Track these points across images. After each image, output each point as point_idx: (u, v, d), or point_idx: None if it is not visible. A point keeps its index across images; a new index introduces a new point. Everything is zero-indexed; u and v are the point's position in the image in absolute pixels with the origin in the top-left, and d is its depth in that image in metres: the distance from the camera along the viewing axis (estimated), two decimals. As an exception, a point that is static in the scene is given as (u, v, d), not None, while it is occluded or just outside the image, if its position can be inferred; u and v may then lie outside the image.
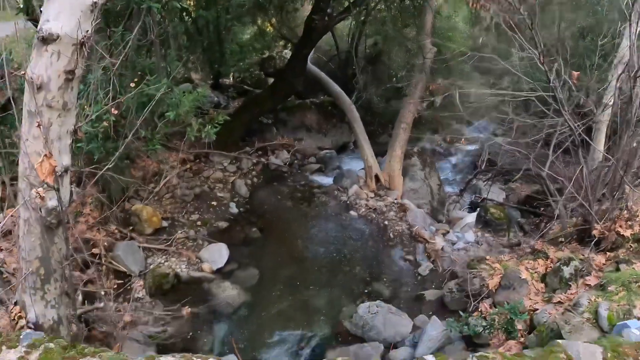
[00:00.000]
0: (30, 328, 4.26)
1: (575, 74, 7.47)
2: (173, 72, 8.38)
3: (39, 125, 3.38)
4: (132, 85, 6.32)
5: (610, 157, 7.46)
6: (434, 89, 11.05)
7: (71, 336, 4.78)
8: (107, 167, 4.67)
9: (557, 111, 7.82)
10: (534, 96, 7.72)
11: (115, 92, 5.65)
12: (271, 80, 16.48)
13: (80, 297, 6.74)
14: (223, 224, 10.24)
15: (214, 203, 10.65)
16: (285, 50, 18.35)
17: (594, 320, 5.50)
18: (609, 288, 5.91)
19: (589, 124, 8.65)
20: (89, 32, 3.61)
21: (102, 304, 6.18)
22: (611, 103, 8.34)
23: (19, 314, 4.28)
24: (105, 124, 6.38)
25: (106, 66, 6.17)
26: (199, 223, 9.94)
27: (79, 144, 6.73)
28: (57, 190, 3.63)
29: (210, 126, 8.08)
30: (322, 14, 11.37)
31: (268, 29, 16.74)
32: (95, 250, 8.11)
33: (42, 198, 3.45)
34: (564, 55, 7.60)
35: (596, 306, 5.61)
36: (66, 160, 3.78)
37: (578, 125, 7.52)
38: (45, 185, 3.50)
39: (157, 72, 8.00)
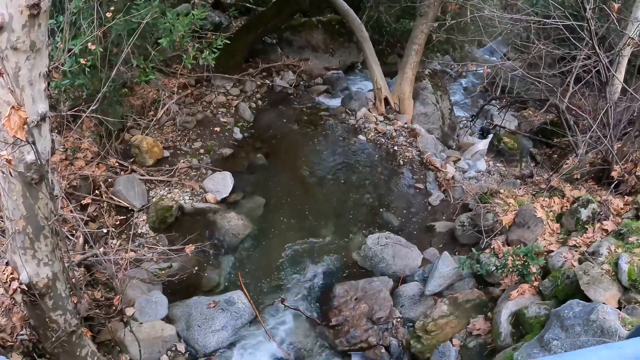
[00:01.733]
0: (23, 290, 4.04)
1: (616, 6, 6.90)
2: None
3: (1, 74, 2.96)
4: (109, 14, 5.75)
5: (637, 96, 7.03)
6: (452, 8, 10.35)
7: (69, 288, 4.59)
8: (91, 108, 4.28)
9: (580, 40, 7.34)
10: (561, 24, 7.18)
11: (100, 20, 5.19)
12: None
13: (81, 240, 6.54)
14: (227, 151, 9.89)
15: (217, 129, 10.26)
16: (290, -34, 17.38)
17: (614, 273, 5.26)
18: (629, 239, 5.65)
19: (611, 57, 8.16)
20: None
21: (100, 249, 5.94)
22: (635, 39, 7.87)
23: (12, 275, 4.04)
24: (83, 62, 5.88)
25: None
26: (201, 151, 9.60)
27: (65, 81, 6.31)
28: (33, 143, 3.27)
29: (208, 51, 7.56)
30: None
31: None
32: (94, 187, 7.85)
33: (9, 161, 3.10)
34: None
35: (616, 257, 5.35)
36: (42, 107, 3.38)
37: (604, 57, 7.05)
38: (19, 141, 3.14)
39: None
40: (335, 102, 12.22)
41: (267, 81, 12.37)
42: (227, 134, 10.28)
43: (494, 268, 6.43)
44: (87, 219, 7.08)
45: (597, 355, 2.64)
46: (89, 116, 4.33)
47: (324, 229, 8.53)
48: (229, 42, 8.11)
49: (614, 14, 6.96)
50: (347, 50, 14.60)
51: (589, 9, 6.76)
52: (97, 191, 7.81)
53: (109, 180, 8.05)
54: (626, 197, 7.04)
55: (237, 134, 10.47)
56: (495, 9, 10.58)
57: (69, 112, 6.06)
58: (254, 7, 15.59)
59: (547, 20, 7.59)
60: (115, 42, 6.94)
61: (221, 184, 8.86)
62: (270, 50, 13.58)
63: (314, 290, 7.49)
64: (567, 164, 8.44)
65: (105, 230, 7.25)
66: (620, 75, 8.73)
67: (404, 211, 9.02)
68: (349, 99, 11.88)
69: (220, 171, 9.08)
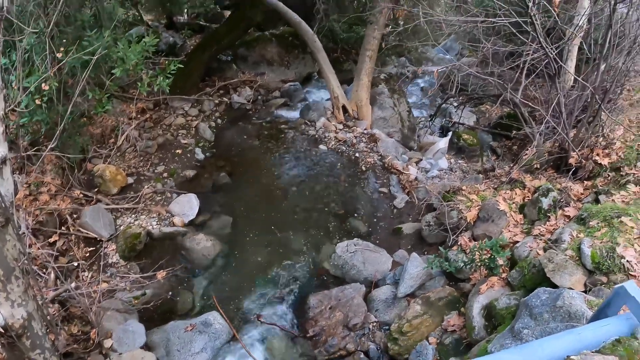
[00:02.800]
0: (0, 332, 4.03)
1: (557, 1, 7.13)
2: (115, 19, 7.75)
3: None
4: (60, 55, 5.74)
5: (587, 84, 7.25)
6: (399, 15, 10.58)
7: (45, 325, 4.57)
8: (50, 146, 4.29)
9: (526, 33, 7.53)
10: (507, 22, 7.36)
11: (53, 56, 5.18)
12: (228, 13, 15.76)
13: (52, 276, 6.49)
14: (190, 173, 9.90)
15: (179, 151, 10.28)
16: (241, -20, 17.47)
17: (577, 258, 5.40)
18: (590, 223, 5.80)
19: (561, 48, 8.38)
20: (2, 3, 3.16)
21: (72, 284, 5.92)
22: (584, 26, 8.10)
23: (-13, 319, 4.03)
24: (38, 102, 5.85)
25: (40, 30, 5.63)
26: (165, 175, 9.60)
27: (23, 119, 6.28)
28: (-4, 188, 3.29)
29: (162, 77, 7.55)
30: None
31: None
32: (61, 220, 7.80)
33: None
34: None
35: (578, 243, 5.50)
36: (1, 150, 3.41)
37: (551, 50, 7.23)
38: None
39: (101, 22, 7.44)
40: (294, 114, 12.35)
41: (225, 99, 12.44)
42: (189, 155, 10.30)
43: (462, 264, 6.56)
44: (57, 253, 7.03)
45: (560, 342, 2.78)
46: (49, 153, 4.33)
47: (292, 241, 8.58)
48: (182, 66, 8.10)
49: (555, 9, 7.17)
50: (302, 62, 14.75)
51: (532, 6, 6.94)
52: (64, 225, 7.75)
53: (75, 213, 7.99)
54: (585, 182, 7.26)
55: (199, 155, 10.49)
56: (445, 9, 10.76)
57: (29, 153, 6.03)
58: (208, 24, 15.64)
59: (493, 20, 7.76)
60: (70, 74, 6.90)
61: (187, 206, 8.87)
62: (226, 68, 13.66)
63: (289, 304, 7.51)
64: (526, 154, 8.65)
65: (75, 264, 7.22)
66: (572, 63, 8.95)
67: (371, 216, 9.14)
68: (307, 110, 12.02)
69: (185, 193, 9.09)
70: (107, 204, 8.45)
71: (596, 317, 3.32)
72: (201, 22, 16.34)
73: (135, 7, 13.61)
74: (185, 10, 16.16)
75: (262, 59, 14.30)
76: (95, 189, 8.67)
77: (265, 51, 14.37)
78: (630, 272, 4.96)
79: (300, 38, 13.44)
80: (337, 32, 14.28)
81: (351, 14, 13.25)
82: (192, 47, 14.08)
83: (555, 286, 5.22)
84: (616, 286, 2.95)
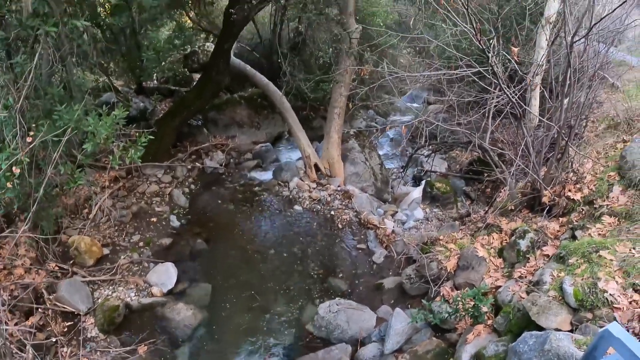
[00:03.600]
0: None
1: (515, 50, 7.36)
2: (86, 90, 7.75)
3: None
4: (30, 139, 5.69)
5: (552, 124, 7.42)
6: (363, 73, 10.81)
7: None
8: (23, 228, 4.22)
9: (489, 79, 7.73)
10: (470, 72, 7.54)
11: (24, 131, 5.14)
12: (197, 76, 15.92)
13: (30, 354, 6.27)
14: (166, 241, 9.78)
15: (154, 219, 10.18)
16: (208, 43, 17.77)
17: (560, 297, 5.40)
18: (569, 260, 5.83)
19: (524, 89, 8.60)
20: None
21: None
22: (543, 66, 8.33)
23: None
24: (9, 185, 5.78)
25: (7, 104, 5.60)
26: (141, 244, 9.47)
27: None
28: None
29: (134, 150, 7.48)
30: (240, 5, 10.74)
31: (187, 23, 16.03)
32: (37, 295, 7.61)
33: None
34: (495, 23, 7.46)
35: (560, 282, 5.51)
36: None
37: (514, 93, 7.40)
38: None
39: (71, 93, 7.43)
40: (267, 176, 12.40)
41: (198, 164, 12.44)
42: (164, 223, 10.20)
43: (446, 315, 6.55)
44: (34, 330, 6.83)
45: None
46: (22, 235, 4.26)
47: (274, 305, 8.47)
48: (153, 137, 8.03)
49: (515, 58, 7.38)
50: (272, 122, 14.90)
51: (492, 56, 7.13)
52: (40, 299, 7.56)
53: (51, 286, 7.80)
54: (560, 219, 7.33)
55: (175, 222, 10.39)
56: (410, 61, 10.98)
57: (3, 234, 5.91)
58: (177, 88, 15.77)
59: (454, 72, 7.94)
60: (42, 146, 6.80)
61: (165, 275, 8.72)
62: (197, 132, 13.70)
63: (275, 369, 7.39)
64: (500, 197, 8.73)
65: (54, 339, 7.01)
66: (536, 101, 9.17)
67: (351, 274, 9.10)
68: (280, 171, 12.08)
69: (162, 262, 8.96)
70: (84, 277, 8.28)
71: (584, 362, 3.29)
72: (171, 87, 16.46)
73: (105, 73, 13.69)
74: (155, 75, 16.29)
75: (233, 121, 14.39)
76: (71, 261, 8.51)
77: (235, 114, 14.49)
78: (614, 305, 4.96)
79: (269, 99, 13.63)
80: (305, 91, 14.47)
81: (317, 74, 13.48)
82: (162, 111, 14.13)
83: (541, 328, 5.20)
84: (600, 329, 2.95)
